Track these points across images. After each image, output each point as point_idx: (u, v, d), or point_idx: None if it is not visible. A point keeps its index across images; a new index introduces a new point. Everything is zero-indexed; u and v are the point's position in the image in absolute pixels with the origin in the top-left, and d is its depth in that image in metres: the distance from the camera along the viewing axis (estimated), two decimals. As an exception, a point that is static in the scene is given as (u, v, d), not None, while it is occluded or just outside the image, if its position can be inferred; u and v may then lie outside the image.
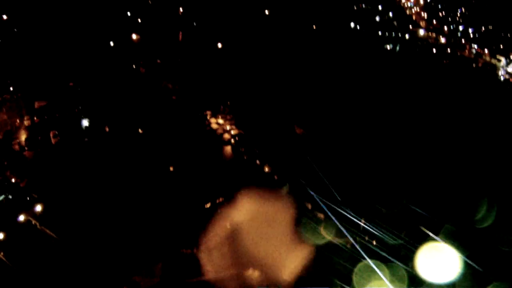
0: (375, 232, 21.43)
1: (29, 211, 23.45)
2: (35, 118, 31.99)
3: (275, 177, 28.37)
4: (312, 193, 25.46)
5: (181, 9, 47.02)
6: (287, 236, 21.47)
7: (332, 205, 24.67)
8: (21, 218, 22.82)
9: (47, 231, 22.80)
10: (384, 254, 20.18)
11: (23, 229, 22.79)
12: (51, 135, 30.25)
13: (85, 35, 40.12)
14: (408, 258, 19.83)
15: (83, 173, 26.80)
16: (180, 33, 44.76)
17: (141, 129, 32.59)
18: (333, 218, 23.41)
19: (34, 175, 26.25)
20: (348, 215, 23.70)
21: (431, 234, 20.68)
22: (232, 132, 34.38)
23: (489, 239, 20.35)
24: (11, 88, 34.26)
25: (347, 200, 24.79)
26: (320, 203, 24.73)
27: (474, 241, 20.16)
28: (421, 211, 22.25)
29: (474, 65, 46.84)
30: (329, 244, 21.28)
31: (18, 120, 31.45)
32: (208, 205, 25.34)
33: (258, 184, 26.58)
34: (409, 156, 26.37)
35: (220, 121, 36.11)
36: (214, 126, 35.52)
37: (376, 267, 19.40)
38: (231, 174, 28.61)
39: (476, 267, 18.97)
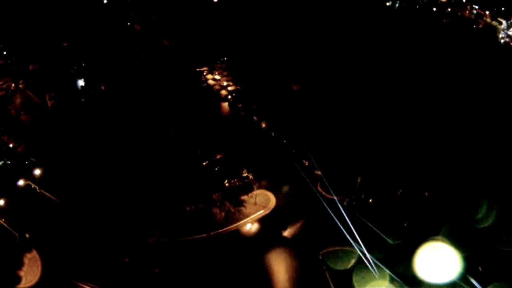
0: (374, 230, 21.46)
1: (28, 176, 23.50)
2: (30, 82, 31.51)
3: (272, 134, 28.56)
4: (308, 153, 25.67)
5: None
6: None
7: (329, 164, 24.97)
8: (21, 182, 22.96)
9: (47, 194, 22.95)
10: (383, 254, 20.25)
11: (23, 194, 22.86)
12: (47, 97, 29.84)
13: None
14: (407, 258, 19.82)
15: (80, 134, 26.83)
16: None
17: (137, 87, 32.14)
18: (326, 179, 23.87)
19: (31, 139, 26.18)
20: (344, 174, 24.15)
21: (431, 234, 20.84)
22: (229, 88, 34.09)
23: (489, 239, 20.53)
24: (5, 53, 33.59)
25: (343, 160, 25.36)
26: (315, 162, 25.04)
27: (474, 241, 20.36)
28: (421, 211, 22.56)
29: (474, 26, 45.33)
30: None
31: (13, 84, 30.72)
32: (205, 163, 25.52)
33: (255, 140, 27.26)
34: (409, 153, 26.26)
35: (217, 77, 35.75)
36: (211, 82, 35.26)
37: (376, 267, 19.70)
38: (229, 131, 28.81)
39: (476, 267, 19.29)
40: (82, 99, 30.09)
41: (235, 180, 24.27)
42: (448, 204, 22.14)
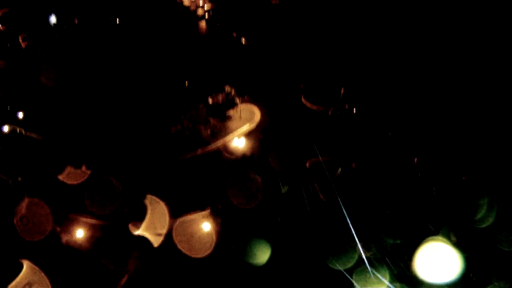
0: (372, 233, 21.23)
1: (11, 120, 23.19)
2: (0, 26, 30.25)
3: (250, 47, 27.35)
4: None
5: None
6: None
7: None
8: (5, 129, 22.78)
9: (34, 135, 22.69)
10: (383, 254, 20.14)
11: (9, 138, 22.63)
12: (20, 39, 29.04)
13: None
14: (407, 258, 19.64)
15: (59, 74, 26.04)
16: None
17: (112, 16, 30.16)
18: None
19: (8, 84, 25.59)
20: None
21: (431, 234, 20.76)
22: (206, 6, 32.48)
23: (489, 239, 20.12)
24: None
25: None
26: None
27: (474, 241, 20.08)
28: (421, 211, 22.27)
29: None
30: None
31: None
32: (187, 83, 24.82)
33: (236, 56, 26.43)
34: (408, 153, 26.19)
35: None
36: (186, 3, 33.06)
37: (376, 267, 19.38)
38: (207, 49, 27.81)
39: (476, 267, 19.02)
40: (56, 36, 29.33)
41: (218, 96, 23.92)
42: (448, 204, 21.97)
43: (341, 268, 19.74)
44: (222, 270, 19.35)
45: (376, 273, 19.53)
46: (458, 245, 19.40)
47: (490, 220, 20.93)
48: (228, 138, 22.53)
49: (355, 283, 19.32)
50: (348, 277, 19.49)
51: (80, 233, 19.11)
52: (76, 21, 30.63)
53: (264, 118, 23.42)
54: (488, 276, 19.03)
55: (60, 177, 20.64)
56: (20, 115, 23.10)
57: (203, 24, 31.07)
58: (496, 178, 23.53)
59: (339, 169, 23.32)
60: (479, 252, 19.52)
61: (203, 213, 19.94)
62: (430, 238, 20.09)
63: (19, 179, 20.78)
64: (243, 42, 27.81)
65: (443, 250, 19.46)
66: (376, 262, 19.80)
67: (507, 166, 24.31)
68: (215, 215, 19.95)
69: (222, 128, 22.92)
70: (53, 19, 31.10)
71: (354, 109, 22.50)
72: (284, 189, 23.87)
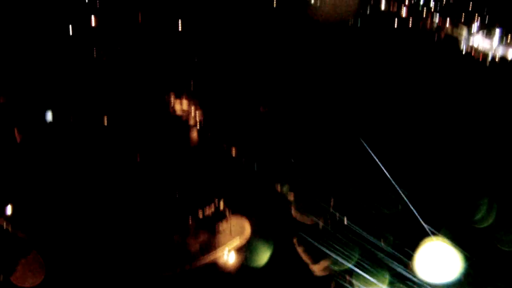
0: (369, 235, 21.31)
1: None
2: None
3: (243, 160, 27.55)
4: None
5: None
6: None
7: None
8: None
9: (21, 234, 21.30)
10: (382, 254, 19.97)
11: None
12: (15, 132, 28.79)
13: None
14: (407, 258, 19.55)
15: (51, 169, 24.76)
16: (140, 13, 42.05)
17: (105, 119, 29.81)
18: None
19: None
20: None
21: (431, 234, 20.62)
22: (198, 116, 32.78)
23: (489, 239, 20.18)
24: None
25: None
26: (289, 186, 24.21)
27: (474, 241, 19.99)
28: (420, 211, 22.21)
29: (436, 37, 44.48)
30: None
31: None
32: (177, 195, 24.24)
33: (226, 168, 26.32)
34: (407, 152, 26.16)
35: (184, 105, 33.76)
36: (178, 112, 33.39)
37: (375, 268, 19.35)
38: (198, 160, 27.37)
39: (476, 267, 18.99)
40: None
41: (208, 209, 23.62)
42: (448, 204, 21.92)
43: (341, 268, 19.47)
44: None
45: (376, 273, 18.92)
46: (458, 245, 19.49)
47: (490, 220, 21.00)
48: (218, 252, 21.89)
49: (355, 283, 18.87)
50: (348, 277, 19.05)
51: None
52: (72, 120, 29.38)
53: (255, 233, 22.70)
54: (488, 276, 18.45)
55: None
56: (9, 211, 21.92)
57: (194, 134, 31.04)
58: (496, 178, 23.65)
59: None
60: (479, 252, 19.00)
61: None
62: (430, 238, 19.81)
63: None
64: (233, 154, 28.17)
65: (443, 250, 19.19)
66: (376, 263, 19.31)
67: (507, 166, 24.35)
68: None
69: (211, 242, 22.27)
70: (49, 116, 29.80)
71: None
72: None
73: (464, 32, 43.42)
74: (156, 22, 35.96)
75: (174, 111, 32.75)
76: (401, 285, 18.66)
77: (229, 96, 32.31)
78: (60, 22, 35.39)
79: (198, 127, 31.00)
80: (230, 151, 28.54)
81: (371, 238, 20.61)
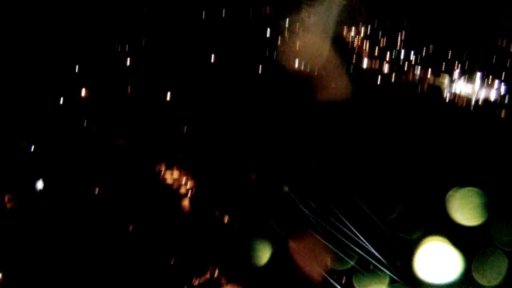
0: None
1: None
2: None
3: (236, 227, 27.44)
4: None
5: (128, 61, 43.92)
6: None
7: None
8: None
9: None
10: (382, 254, 20.08)
11: None
12: (6, 199, 28.71)
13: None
14: (407, 258, 19.50)
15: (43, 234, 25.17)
16: (129, 86, 42.00)
17: (96, 189, 29.01)
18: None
19: None
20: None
21: (430, 234, 20.62)
22: (188, 185, 33.09)
23: (489, 239, 19.96)
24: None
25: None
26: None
27: (474, 241, 19.81)
28: (420, 210, 22.23)
29: (419, 89, 44.94)
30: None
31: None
32: (172, 262, 23.48)
33: (218, 236, 25.90)
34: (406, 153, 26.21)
35: (175, 174, 34.16)
36: (169, 181, 33.78)
37: (375, 268, 19.34)
38: (190, 228, 27.09)
39: (476, 267, 18.99)
40: (41, 202, 28.86)
41: (202, 277, 22.94)
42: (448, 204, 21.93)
43: (340, 268, 19.90)
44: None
45: (376, 273, 18.99)
46: (458, 245, 19.48)
47: (485, 218, 20.95)
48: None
49: (355, 284, 18.82)
50: (348, 277, 19.42)
51: None
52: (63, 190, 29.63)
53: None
54: (487, 276, 18.37)
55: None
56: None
57: (186, 202, 31.07)
58: (496, 178, 23.63)
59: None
60: (479, 252, 18.81)
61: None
62: (430, 238, 19.74)
63: None
64: (225, 221, 28.02)
65: (443, 250, 19.13)
66: (376, 263, 19.50)
67: (506, 166, 24.34)
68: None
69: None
70: (40, 185, 29.27)
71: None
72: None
73: (446, 80, 44.39)
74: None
75: (165, 180, 33.18)
76: (401, 285, 18.73)
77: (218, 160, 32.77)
78: (59, 27, 36.30)
79: (189, 195, 31.34)
80: (223, 218, 28.89)
81: (371, 238, 20.74)
